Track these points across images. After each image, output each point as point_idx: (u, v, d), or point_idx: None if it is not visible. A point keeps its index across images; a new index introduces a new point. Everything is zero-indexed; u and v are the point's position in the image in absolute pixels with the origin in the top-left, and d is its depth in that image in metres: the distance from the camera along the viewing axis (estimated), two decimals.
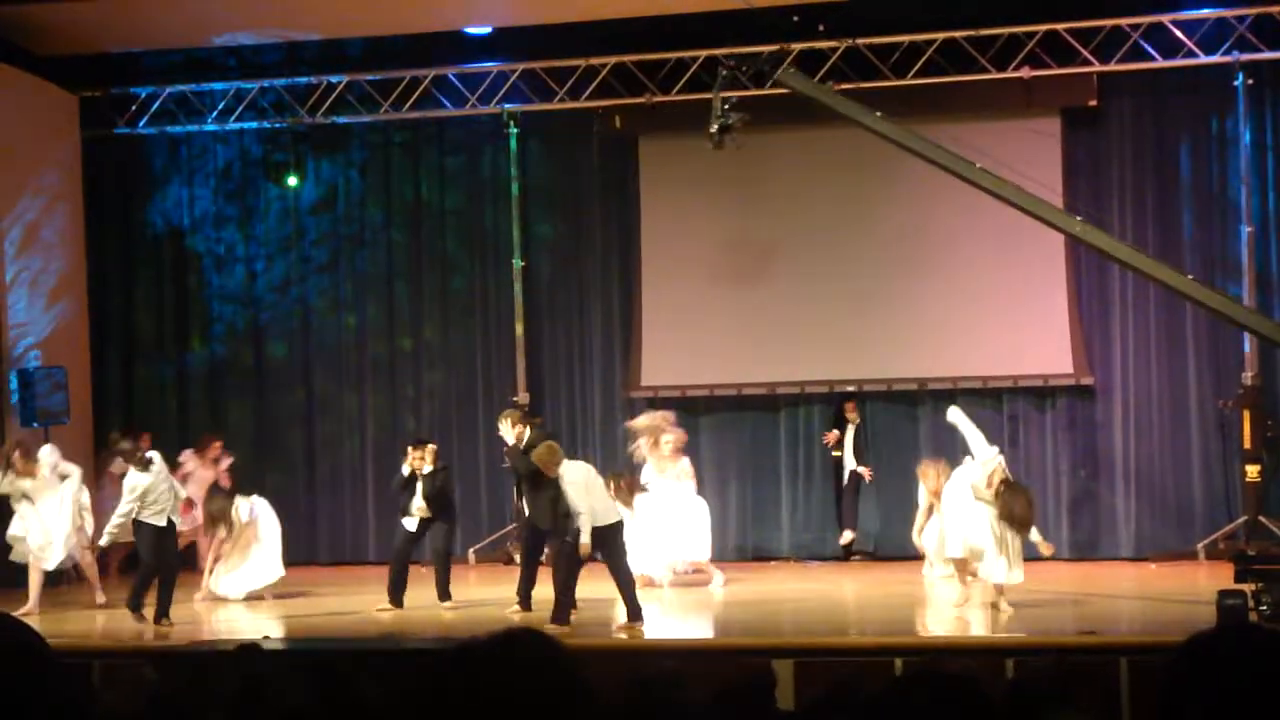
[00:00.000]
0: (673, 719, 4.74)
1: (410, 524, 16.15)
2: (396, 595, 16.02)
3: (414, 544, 16.29)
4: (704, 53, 19.23)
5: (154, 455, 16.02)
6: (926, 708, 3.61)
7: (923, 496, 16.86)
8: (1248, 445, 17.88)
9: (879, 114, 16.13)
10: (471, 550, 19.64)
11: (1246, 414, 17.88)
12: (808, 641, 13.60)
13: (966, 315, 19.02)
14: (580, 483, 14.81)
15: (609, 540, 14.79)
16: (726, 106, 16.52)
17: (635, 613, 14.52)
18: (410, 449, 16.31)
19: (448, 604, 15.96)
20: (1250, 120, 18.35)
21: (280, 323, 21.10)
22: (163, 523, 15.60)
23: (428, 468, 16.11)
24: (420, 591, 16.08)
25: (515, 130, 20.20)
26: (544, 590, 15.14)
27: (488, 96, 20.04)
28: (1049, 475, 18.71)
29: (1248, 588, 13.01)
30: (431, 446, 16.36)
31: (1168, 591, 16.03)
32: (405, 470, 16.20)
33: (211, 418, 20.25)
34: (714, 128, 16.46)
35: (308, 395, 20.33)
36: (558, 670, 3.38)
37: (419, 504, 16.08)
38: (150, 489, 15.61)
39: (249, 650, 6.50)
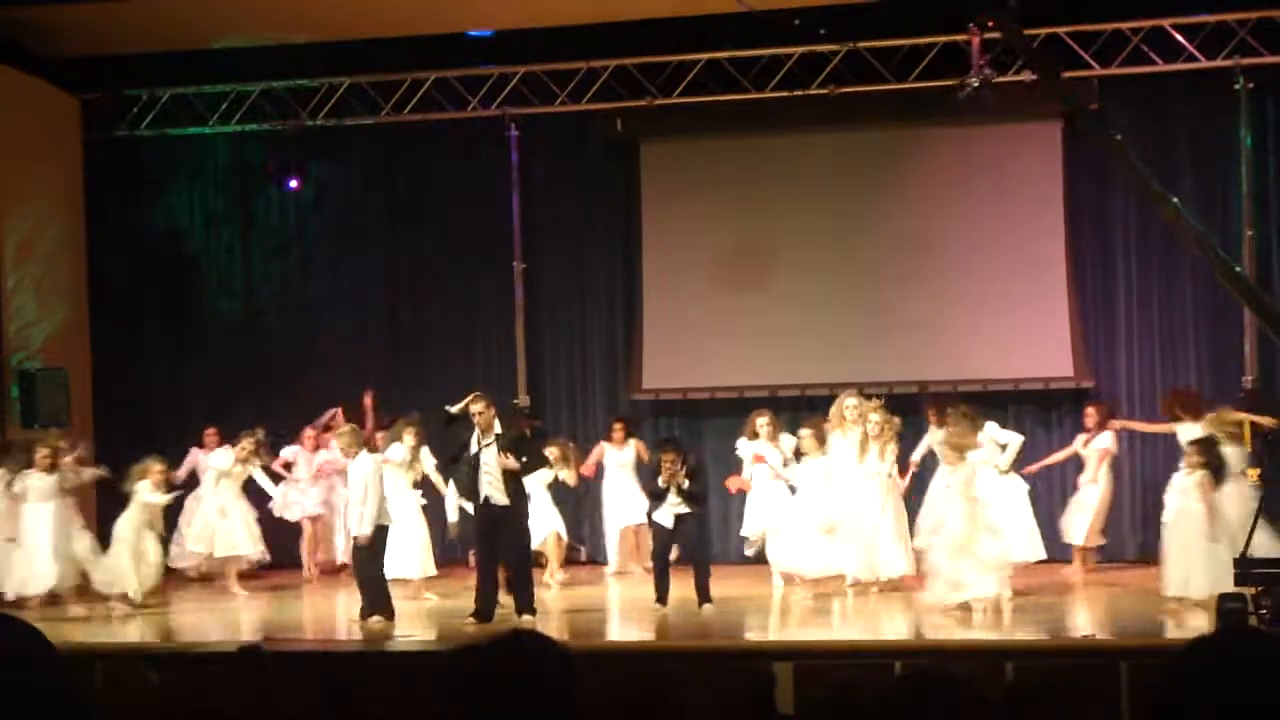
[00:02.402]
0: None
1: (666, 519, 15.93)
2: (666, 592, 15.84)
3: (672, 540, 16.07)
4: (705, 56, 19.26)
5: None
6: (925, 711, 3.62)
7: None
8: (1248, 449, 17.84)
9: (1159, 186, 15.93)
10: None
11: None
12: (807, 644, 13.61)
13: (968, 319, 19.02)
14: (364, 478, 15.40)
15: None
16: (983, 63, 16.46)
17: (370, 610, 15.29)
18: (665, 458, 16.04)
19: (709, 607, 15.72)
20: (1251, 124, 18.35)
21: (280, 325, 21.11)
22: None
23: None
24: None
25: (516, 133, 20.21)
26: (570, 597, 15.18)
27: (489, 99, 20.05)
28: (1054, 478, 18.61)
29: (1248, 591, 13.00)
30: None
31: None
32: (660, 482, 15.93)
33: (213, 420, 20.21)
34: (975, 82, 16.35)
35: (308, 397, 20.26)
36: (557, 672, 3.39)
37: (674, 501, 15.86)
38: None
39: (249, 652, 6.52)
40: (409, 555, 16.81)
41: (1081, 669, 11.92)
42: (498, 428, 15.45)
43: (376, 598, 15.44)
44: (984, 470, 15.66)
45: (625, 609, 16.36)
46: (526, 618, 14.89)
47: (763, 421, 17.29)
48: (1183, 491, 14.74)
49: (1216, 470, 14.69)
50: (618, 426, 18.77)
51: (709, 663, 12.62)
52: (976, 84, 16.18)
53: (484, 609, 15.06)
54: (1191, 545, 14.49)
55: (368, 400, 18.92)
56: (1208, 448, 14.87)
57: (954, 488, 15.02)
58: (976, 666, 11.23)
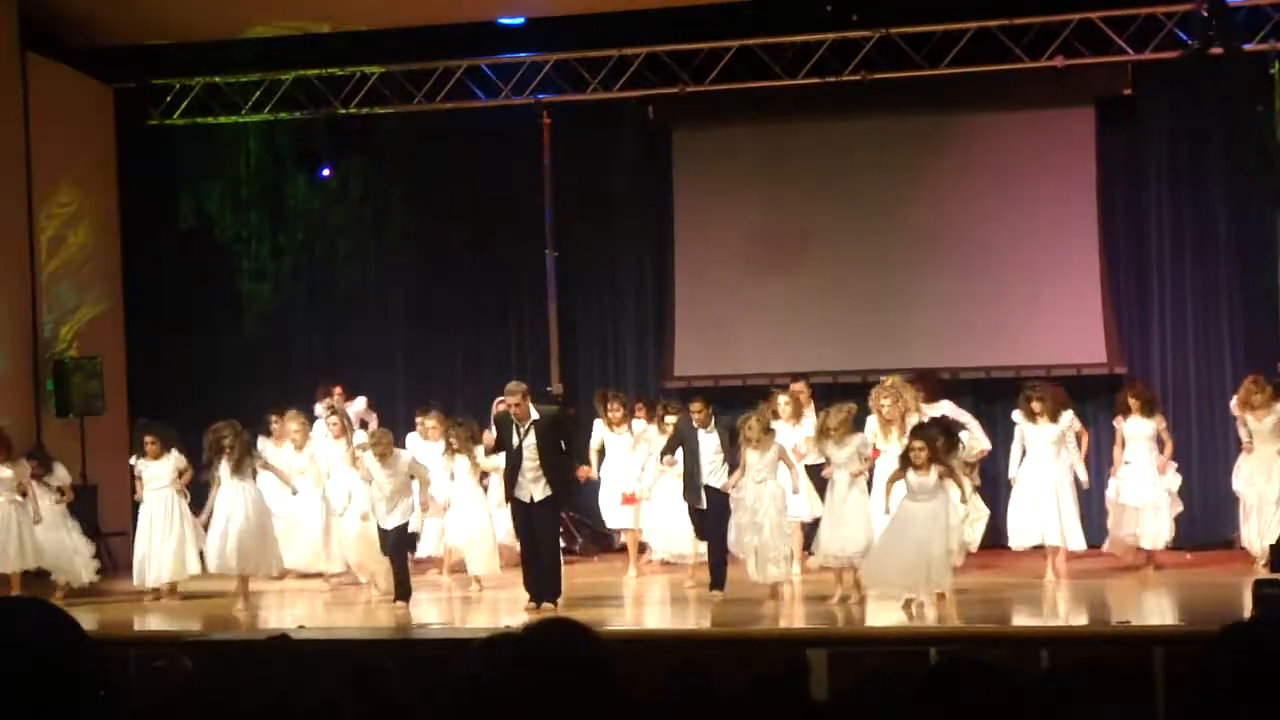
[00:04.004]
0: (708, 707, 4.76)
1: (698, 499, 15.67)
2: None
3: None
4: (736, 43, 19.22)
5: None
6: (960, 698, 3.61)
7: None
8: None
9: None
10: None
11: None
12: (842, 631, 13.59)
13: (1000, 305, 18.98)
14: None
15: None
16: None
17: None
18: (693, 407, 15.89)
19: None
20: None
21: (312, 313, 21.14)
22: None
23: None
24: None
25: (548, 121, 20.20)
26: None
27: (521, 87, 20.04)
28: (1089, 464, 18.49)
29: None
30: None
31: (1204, 581, 15.98)
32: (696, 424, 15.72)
33: (245, 408, 20.25)
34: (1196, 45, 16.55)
35: (339, 385, 20.27)
36: (592, 659, 3.38)
37: (711, 458, 15.58)
38: None
39: (280, 641, 6.53)
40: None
41: (1116, 655, 11.89)
42: (534, 414, 15.41)
43: (406, 584, 15.63)
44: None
45: (668, 596, 16.28)
46: (547, 605, 14.90)
47: (783, 400, 17.10)
48: (919, 489, 14.39)
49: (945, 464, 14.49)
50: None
51: (743, 649, 12.61)
52: (1198, 46, 16.36)
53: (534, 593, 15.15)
54: (931, 541, 14.21)
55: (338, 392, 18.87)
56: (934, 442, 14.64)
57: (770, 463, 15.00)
58: (1011, 653, 11.20)
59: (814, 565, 15.75)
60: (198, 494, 17.09)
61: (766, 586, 14.96)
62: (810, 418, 17.04)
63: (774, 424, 16.11)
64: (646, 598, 16.59)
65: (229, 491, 16.17)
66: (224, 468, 16.20)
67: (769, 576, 14.88)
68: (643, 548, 17.72)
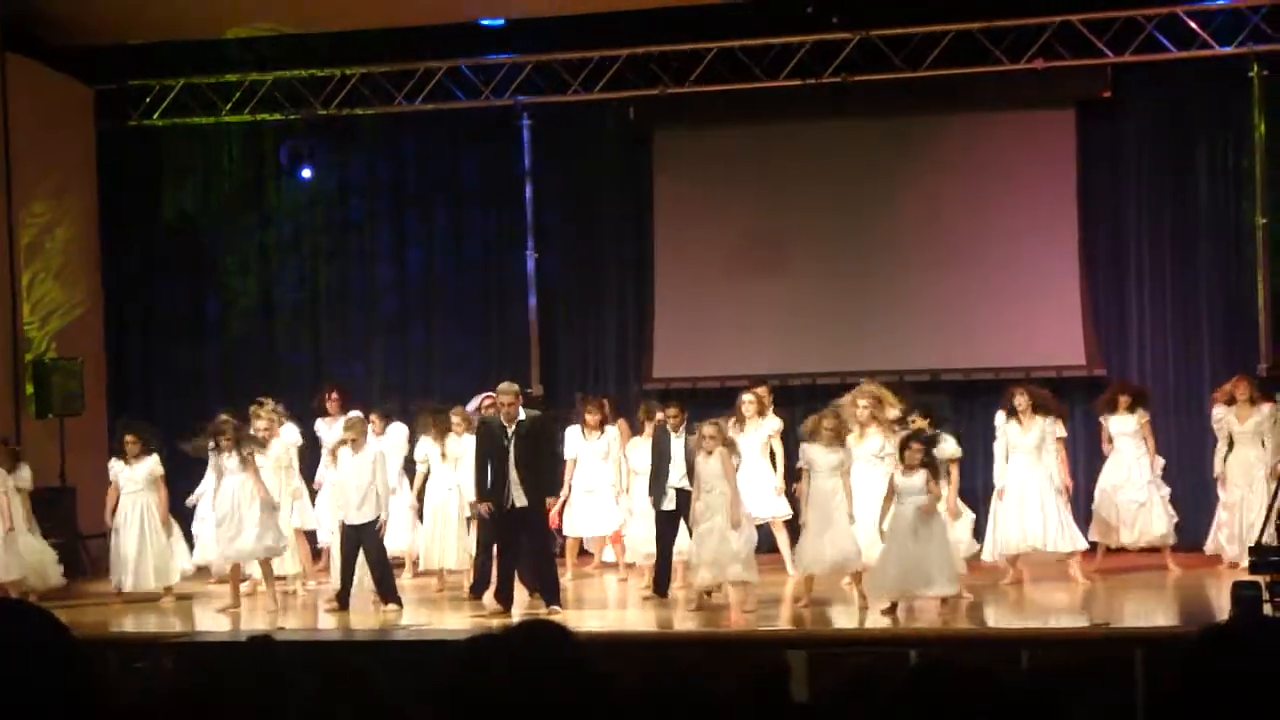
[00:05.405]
0: (687, 709, 4.74)
1: (669, 503, 15.61)
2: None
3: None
4: (717, 45, 19.24)
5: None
6: (940, 699, 3.61)
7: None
8: None
9: None
10: None
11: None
12: (822, 632, 13.59)
13: (979, 307, 19.01)
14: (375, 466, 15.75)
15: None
16: None
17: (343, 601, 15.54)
18: (669, 413, 15.88)
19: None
20: (1265, 112, 18.30)
21: (293, 314, 21.11)
22: None
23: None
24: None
25: (529, 122, 20.20)
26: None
27: (501, 88, 20.04)
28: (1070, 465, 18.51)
29: (1263, 579, 12.99)
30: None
31: (1183, 583, 16.02)
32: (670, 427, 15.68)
33: (227, 408, 20.21)
34: None
35: (321, 386, 20.26)
36: (571, 661, 3.39)
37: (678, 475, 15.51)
38: None
39: (262, 642, 6.51)
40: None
41: (1096, 657, 11.91)
42: (521, 415, 15.26)
43: (390, 584, 15.56)
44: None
45: (646, 600, 16.27)
46: (555, 608, 14.83)
47: (747, 398, 17.02)
48: (909, 490, 14.31)
49: (934, 467, 14.50)
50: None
51: (723, 651, 12.61)
52: None
53: (504, 597, 15.01)
54: (930, 538, 14.24)
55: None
56: (929, 445, 14.60)
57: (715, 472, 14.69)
58: (991, 655, 11.22)
59: (798, 574, 15.64)
60: (188, 485, 17.17)
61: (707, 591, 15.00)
62: (770, 419, 17.01)
63: (734, 424, 16.21)
64: (625, 599, 16.58)
65: (232, 483, 16.07)
66: (229, 459, 16.11)
67: (701, 582, 14.84)
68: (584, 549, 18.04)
